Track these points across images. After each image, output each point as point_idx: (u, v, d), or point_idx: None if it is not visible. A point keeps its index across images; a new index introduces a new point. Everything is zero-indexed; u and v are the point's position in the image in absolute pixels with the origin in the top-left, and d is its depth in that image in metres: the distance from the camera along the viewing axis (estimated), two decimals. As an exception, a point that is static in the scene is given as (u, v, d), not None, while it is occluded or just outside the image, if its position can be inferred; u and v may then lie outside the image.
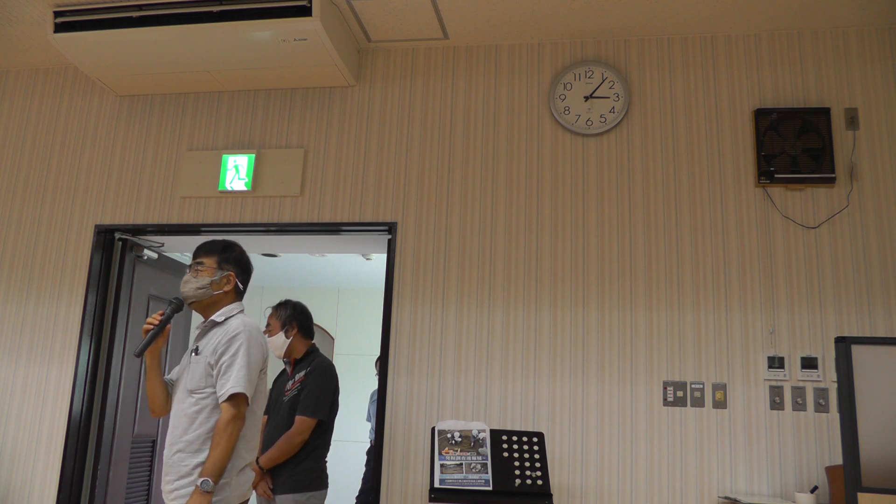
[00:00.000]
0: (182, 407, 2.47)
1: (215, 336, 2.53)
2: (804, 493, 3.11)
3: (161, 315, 2.56)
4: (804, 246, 3.55)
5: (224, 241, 2.73)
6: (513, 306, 3.70)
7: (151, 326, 2.55)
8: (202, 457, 2.39)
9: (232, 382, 2.41)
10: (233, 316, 2.60)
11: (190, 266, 2.68)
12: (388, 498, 3.58)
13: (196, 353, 2.54)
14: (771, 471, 3.34)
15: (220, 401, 2.42)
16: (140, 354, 2.52)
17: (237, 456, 2.43)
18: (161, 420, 4.62)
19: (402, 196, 3.95)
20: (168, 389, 2.64)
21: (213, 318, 2.60)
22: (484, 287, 3.75)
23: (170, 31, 3.68)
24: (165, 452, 2.47)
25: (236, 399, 2.41)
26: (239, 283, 2.68)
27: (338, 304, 8.64)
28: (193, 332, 5.41)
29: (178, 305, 2.61)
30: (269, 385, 3.05)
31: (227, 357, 2.45)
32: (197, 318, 5.13)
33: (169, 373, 2.73)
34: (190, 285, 2.60)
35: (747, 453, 3.37)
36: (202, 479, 2.31)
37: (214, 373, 2.46)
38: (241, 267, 2.71)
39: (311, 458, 3.26)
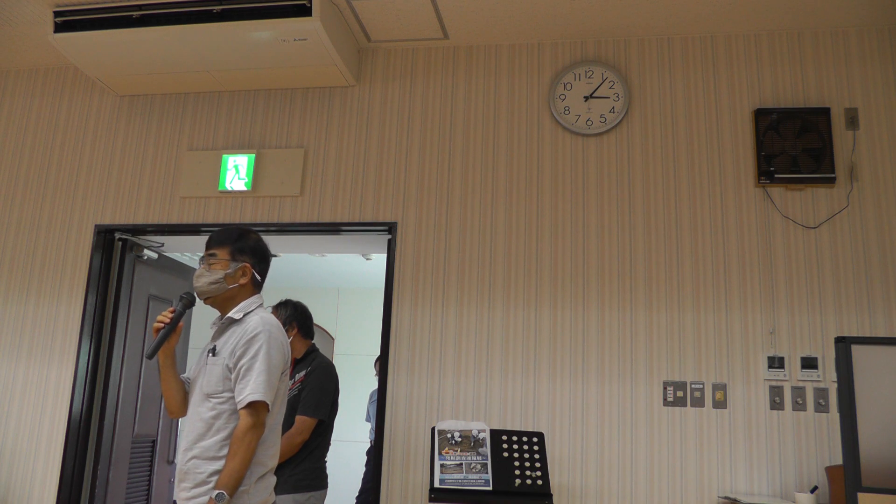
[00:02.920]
0: (199, 411, 2.32)
1: (234, 335, 2.35)
2: (804, 493, 3.11)
3: (172, 312, 2.41)
4: (804, 246, 3.55)
5: (238, 228, 2.52)
6: (513, 306, 3.70)
7: (162, 325, 2.39)
8: (218, 464, 2.25)
9: (251, 389, 2.24)
10: (251, 312, 2.40)
11: (202, 258, 2.47)
12: (388, 498, 3.58)
13: (213, 354, 2.37)
14: (771, 471, 3.34)
15: (239, 408, 2.25)
16: (152, 356, 2.37)
17: (256, 463, 2.28)
18: (161, 420, 4.62)
19: (402, 196, 3.95)
20: (186, 388, 2.48)
21: (230, 314, 2.41)
22: (484, 287, 3.75)
23: (170, 31, 3.68)
24: (179, 458, 2.33)
25: (255, 407, 2.25)
26: (256, 275, 2.46)
27: (338, 304, 8.64)
28: (194, 330, 5.43)
29: (190, 301, 2.46)
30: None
31: (246, 360, 2.28)
32: (200, 315, 5.14)
33: (186, 371, 2.56)
34: (203, 280, 2.40)
35: (747, 453, 3.37)
36: (217, 491, 2.16)
37: (233, 376, 2.30)
38: (258, 256, 2.48)
39: (311, 458, 3.26)
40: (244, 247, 2.46)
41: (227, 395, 2.30)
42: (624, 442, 3.47)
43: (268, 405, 2.28)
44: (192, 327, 5.20)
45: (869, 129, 3.63)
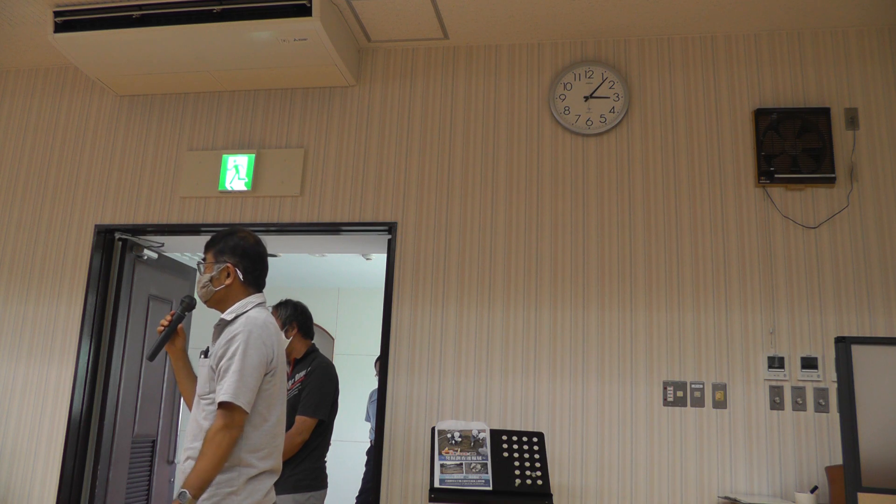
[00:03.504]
0: (195, 412, 2.36)
1: (223, 337, 2.38)
2: (804, 493, 3.11)
3: (173, 315, 2.45)
4: (804, 246, 3.55)
5: (228, 229, 2.54)
6: (513, 306, 3.70)
7: (163, 328, 2.44)
8: None
9: (223, 390, 2.24)
10: (244, 313, 2.40)
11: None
12: (388, 498, 3.58)
13: (205, 356, 2.41)
14: (771, 471, 3.34)
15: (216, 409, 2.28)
16: (152, 358, 2.40)
17: (245, 464, 2.26)
18: (161, 420, 4.62)
19: (402, 196, 3.95)
20: None
21: (223, 316, 2.42)
22: (484, 287, 3.75)
23: (170, 31, 3.68)
24: (180, 458, 2.36)
25: (228, 408, 2.23)
26: (240, 274, 2.45)
27: (338, 304, 8.64)
28: (195, 333, 5.42)
29: (190, 304, 2.49)
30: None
31: (224, 362, 2.29)
32: (200, 316, 5.13)
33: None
34: (198, 285, 2.47)
35: (747, 453, 3.37)
36: (181, 490, 2.12)
37: (216, 377, 2.32)
38: (241, 255, 2.46)
39: (311, 458, 3.26)
40: (225, 247, 2.46)
41: (212, 396, 2.32)
42: (624, 442, 3.47)
43: (241, 406, 2.25)
44: (191, 330, 5.19)
45: (869, 129, 3.63)
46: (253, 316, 2.38)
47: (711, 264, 3.60)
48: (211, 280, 2.43)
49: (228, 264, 2.44)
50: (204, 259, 2.48)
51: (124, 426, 4.25)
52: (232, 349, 2.30)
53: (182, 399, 2.65)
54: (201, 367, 2.39)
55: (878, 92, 3.67)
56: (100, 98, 4.44)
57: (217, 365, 2.31)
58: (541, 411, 3.57)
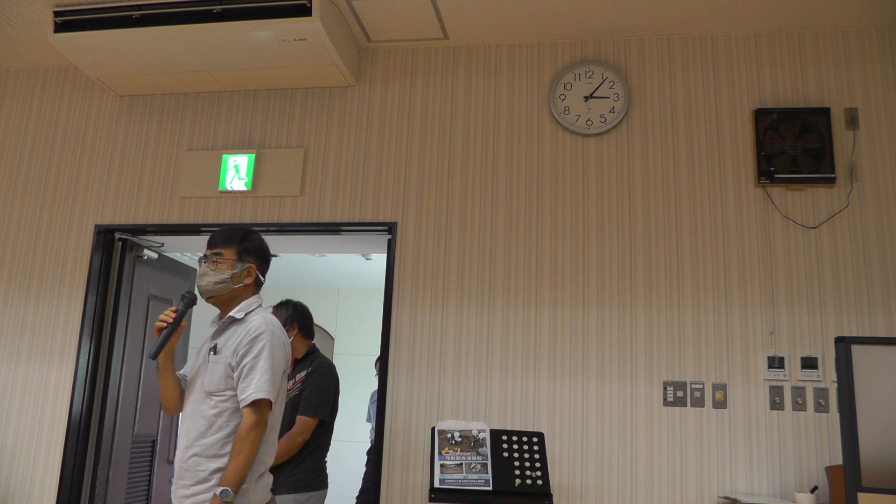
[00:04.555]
0: (200, 409, 2.35)
1: (235, 335, 2.38)
2: (804, 493, 3.11)
3: (174, 311, 2.42)
4: (804, 246, 3.55)
5: (242, 228, 2.56)
6: (513, 306, 3.70)
7: (165, 325, 2.40)
8: (220, 462, 2.27)
9: (254, 387, 2.28)
10: (252, 311, 2.44)
11: (206, 257, 2.47)
12: (388, 498, 3.58)
13: (214, 353, 2.39)
14: (771, 471, 3.34)
15: (242, 406, 2.29)
16: (156, 355, 2.39)
17: (258, 461, 2.32)
18: (161, 420, 4.63)
19: (402, 196, 3.95)
20: (182, 385, 2.49)
21: (231, 314, 2.43)
22: (484, 287, 3.75)
23: (170, 31, 3.68)
24: (179, 455, 2.35)
25: (259, 405, 2.28)
26: (260, 275, 2.51)
27: (338, 304, 8.64)
28: (195, 330, 5.42)
29: (191, 301, 2.47)
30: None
31: (250, 359, 2.32)
32: (201, 315, 5.14)
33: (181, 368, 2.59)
34: (208, 279, 2.42)
35: (747, 453, 3.38)
36: (222, 488, 2.19)
37: (235, 375, 2.33)
38: (262, 257, 2.54)
39: (311, 458, 3.26)
40: (250, 247, 2.51)
41: (228, 393, 2.33)
42: (624, 442, 3.47)
43: (271, 403, 2.32)
44: (192, 327, 5.19)
45: (869, 129, 3.63)
46: (268, 317, 2.45)
47: (711, 264, 3.60)
48: (231, 277, 2.45)
49: (252, 265, 2.50)
50: (219, 254, 2.46)
51: (124, 426, 4.25)
52: (257, 348, 2.34)
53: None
54: (213, 364, 2.38)
55: (878, 92, 3.67)
56: (100, 98, 4.44)
57: (239, 363, 2.34)
58: (541, 411, 3.57)
